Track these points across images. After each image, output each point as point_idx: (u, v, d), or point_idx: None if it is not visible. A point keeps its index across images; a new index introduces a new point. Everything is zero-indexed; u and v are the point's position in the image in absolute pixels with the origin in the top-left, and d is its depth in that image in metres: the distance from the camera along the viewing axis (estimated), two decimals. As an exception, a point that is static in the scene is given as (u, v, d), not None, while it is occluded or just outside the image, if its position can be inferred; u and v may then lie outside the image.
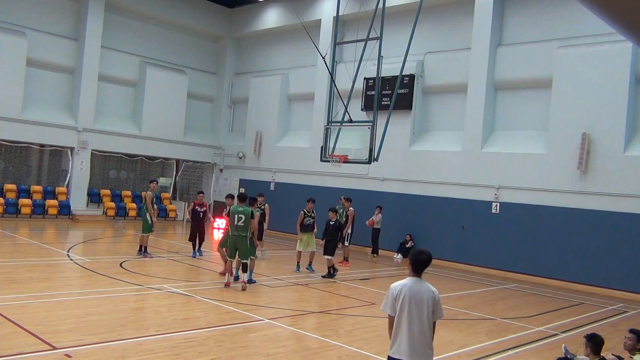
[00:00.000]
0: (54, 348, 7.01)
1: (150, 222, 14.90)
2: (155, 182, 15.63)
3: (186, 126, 27.07)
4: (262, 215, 15.82)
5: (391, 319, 4.91)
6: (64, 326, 8.18)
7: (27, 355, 6.70)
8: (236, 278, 12.19)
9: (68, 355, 6.78)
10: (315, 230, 14.77)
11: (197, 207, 15.85)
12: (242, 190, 26.48)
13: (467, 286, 15.10)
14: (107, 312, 9.10)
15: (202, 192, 16.53)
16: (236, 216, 11.70)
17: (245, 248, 11.74)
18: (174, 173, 27.86)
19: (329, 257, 14.14)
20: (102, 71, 24.22)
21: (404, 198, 20.14)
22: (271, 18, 26.34)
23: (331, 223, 14.50)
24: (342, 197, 18.07)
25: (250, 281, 12.26)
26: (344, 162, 17.08)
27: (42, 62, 22.85)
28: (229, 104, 28.73)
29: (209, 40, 28.66)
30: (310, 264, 14.83)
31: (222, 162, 28.10)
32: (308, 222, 14.66)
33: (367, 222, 19.48)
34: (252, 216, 11.89)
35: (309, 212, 14.75)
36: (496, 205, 18.01)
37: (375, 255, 19.76)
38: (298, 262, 14.81)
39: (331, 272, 14.19)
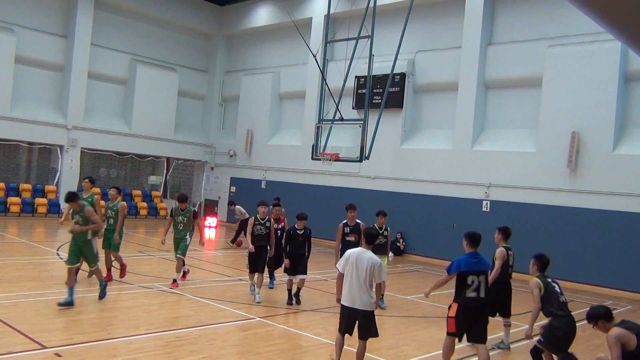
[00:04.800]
0: (44, 347, 6.97)
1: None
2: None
3: (177, 124, 26.96)
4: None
5: (340, 275, 6.70)
6: (54, 325, 8.13)
7: (17, 354, 6.66)
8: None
9: (58, 355, 6.75)
10: (391, 255, 11.01)
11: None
12: (234, 189, 26.45)
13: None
14: (97, 311, 9.07)
15: (279, 205, 12.48)
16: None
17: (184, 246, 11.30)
18: (165, 171, 27.74)
19: None
20: (91, 69, 24.06)
21: (395, 196, 20.18)
22: (262, 16, 26.28)
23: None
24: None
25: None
26: (335, 161, 17.07)
27: (31, 59, 22.67)
28: (219, 102, 28.65)
29: (200, 38, 28.56)
30: (382, 297, 10.50)
31: (213, 160, 28.01)
32: (380, 242, 10.77)
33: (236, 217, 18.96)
34: (195, 216, 11.44)
35: (380, 229, 11.14)
36: (486, 204, 18.09)
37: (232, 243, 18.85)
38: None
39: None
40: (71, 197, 9.41)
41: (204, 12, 27.73)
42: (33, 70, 22.92)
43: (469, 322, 6.90)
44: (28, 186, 22.77)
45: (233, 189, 26.44)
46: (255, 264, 10.59)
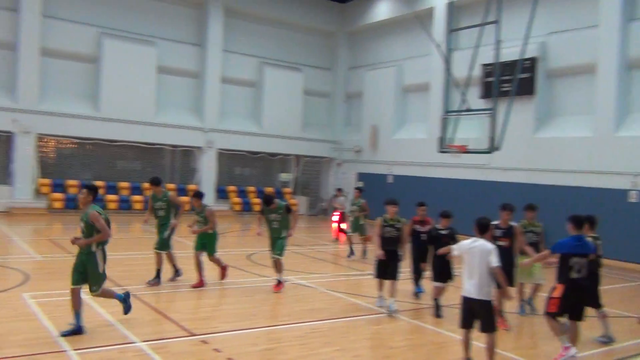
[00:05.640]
0: (193, 334, 7.54)
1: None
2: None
3: (304, 122, 27.79)
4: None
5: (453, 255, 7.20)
6: (200, 314, 8.79)
7: (169, 340, 7.28)
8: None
9: (205, 342, 7.27)
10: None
11: (416, 225, 10.48)
12: (361, 184, 26.68)
13: (603, 281, 14.09)
14: (238, 302, 9.61)
15: (424, 204, 10.70)
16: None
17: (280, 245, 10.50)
18: (294, 168, 28.69)
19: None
20: (224, 73, 25.55)
21: (529, 188, 19.18)
22: (383, 10, 26.23)
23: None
24: (356, 188, 16.58)
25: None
26: (463, 153, 16.67)
27: (170, 68, 24.54)
28: (344, 98, 29.06)
29: (323, 36, 29.13)
30: (530, 299, 9.96)
31: (340, 156, 28.48)
32: (531, 240, 9.62)
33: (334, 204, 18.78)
34: (289, 210, 10.50)
35: (529, 224, 9.81)
36: (635, 194, 16.61)
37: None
38: (523, 300, 9.85)
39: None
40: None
41: (326, 11, 28.26)
42: (172, 79, 24.79)
43: (572, 302, 7.12)
44: (173, 186, 24.62)
45: (360, 184, 26.69)
46: (384, 271, 9.33)
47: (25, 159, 21.47)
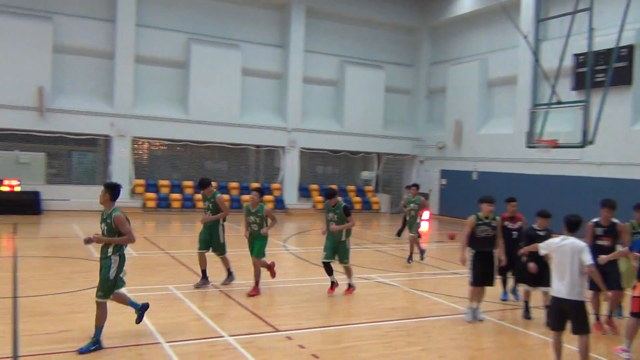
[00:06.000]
0: (277, 330, 7.72)
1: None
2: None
3: (385, 120, 27.62)
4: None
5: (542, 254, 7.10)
6: (284, 311, 8.97)
7: (256, 335, 7.49)
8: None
9: (289, 338, 7.41)
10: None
11: (506, 221, 9.67)
12: (444, 181, 26.19)
13: None
14: (321, 299, 9.72)
15: (514, 200, 10.01)
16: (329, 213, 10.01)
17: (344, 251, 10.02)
18: (376, 166, 28.59)
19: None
20: (306, 74, 25.87)
21: (626, 184, 18.06)
22: (467, 3, 25.56)
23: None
24: (411, 186, 15.45)
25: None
26: (553, 147, 15.99)
27: (254, 70, 25.12)
28: (426, 94, 28.59)
29: (404, 33, 28.80)
30: (620, 308, 9.21)
31: (422, 153, 28.07)
32: None
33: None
34: (348, 213, 9.91)
35: (639, 226, 8.62)
36: None
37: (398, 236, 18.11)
38: (620, 304, 9.12)
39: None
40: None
41: (408, 7, 27.91)
42: (256, 80, 25.38)
43: None
44: (257, 185, 25.27)
45: (444, 181, 26.21)
46: (482, 276, 8.54)
47: (121, 161, 22.77)
